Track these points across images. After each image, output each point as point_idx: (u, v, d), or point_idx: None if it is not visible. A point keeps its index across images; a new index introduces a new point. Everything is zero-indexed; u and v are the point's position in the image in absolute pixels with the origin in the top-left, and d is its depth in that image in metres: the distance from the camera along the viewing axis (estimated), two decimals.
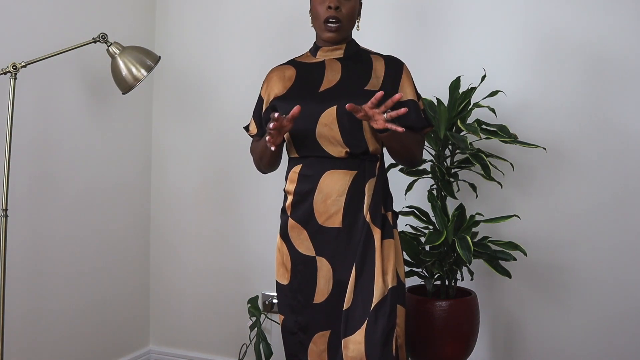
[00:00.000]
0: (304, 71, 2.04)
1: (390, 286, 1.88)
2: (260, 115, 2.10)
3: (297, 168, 1.98)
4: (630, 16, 2.46)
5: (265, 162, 2.06)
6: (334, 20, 1.94)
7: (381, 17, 2.75)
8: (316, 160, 1.95)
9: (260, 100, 2.11)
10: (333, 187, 1.92)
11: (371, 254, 1.89)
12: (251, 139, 2.19)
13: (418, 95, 2.02)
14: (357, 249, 1.90)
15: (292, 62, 2.10)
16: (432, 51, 2.71)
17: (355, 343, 1.85)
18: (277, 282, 2.04)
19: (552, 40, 2.56)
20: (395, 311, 1.88)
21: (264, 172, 2.15)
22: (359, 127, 1.92)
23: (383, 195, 1.97)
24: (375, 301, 1.85)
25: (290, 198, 1.99)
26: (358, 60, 2.02)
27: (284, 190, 2.03)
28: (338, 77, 1.98)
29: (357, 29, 2.05)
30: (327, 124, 1.92)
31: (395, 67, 2.00)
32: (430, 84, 2.52)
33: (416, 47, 2.68)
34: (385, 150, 2.05)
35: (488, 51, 2.63)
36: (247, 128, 2.18)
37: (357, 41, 2.09)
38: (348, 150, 1.92)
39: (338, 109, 1.92)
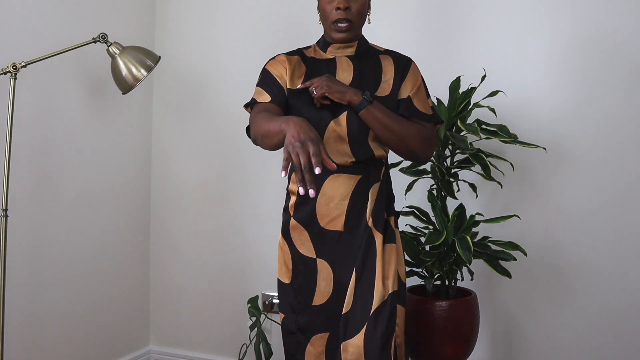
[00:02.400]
0: (315, 68, 2.00)
1: (390, 291, 1.87)
2: (274, 84, 1.95)
3: None
4: (629, 14, 2.46)
5: (267, 145, 1.82)
6: (344, 22, 1.91)
7: (381, 17, 2.74)
8: None
9: (267, 72, 1.97)
10: (336, 190, 1.91)
11: (372, 259, 1.88)
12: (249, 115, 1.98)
13: (427, 93, 2.00)
14: (358, 252, 1.90)
15: (301, 55, 2.03)
16: (432, 51, 2.71)
17: (354, 347, 1.85)
18: (279, 280, 2.04)
19: (552, 40, 2.56)
20: (395, 315, 1.87)
21: (261, 146, 1.92)
22: (364, 134, 1.91)
23: (386, 201, 1.97)
24: (375, 305, 1.85)
25: (293, 198, 1.98)
26: (369, 60, 2.00)
27: (287, 189, 2.02)
28: (350, 80, 1.96)
29: (369, 22, 2.01)
30: (337, 130, 1.90)
31: (403, 67, 1.99)
32: (431, 84, 2.52)
33: (416, 47, 2.68)
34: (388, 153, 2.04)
35: (488, 51, 2.63)
36: (248, 104, 1.99)
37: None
38: (354, 160, 1.91)
39: (348, 114, 1.90)
